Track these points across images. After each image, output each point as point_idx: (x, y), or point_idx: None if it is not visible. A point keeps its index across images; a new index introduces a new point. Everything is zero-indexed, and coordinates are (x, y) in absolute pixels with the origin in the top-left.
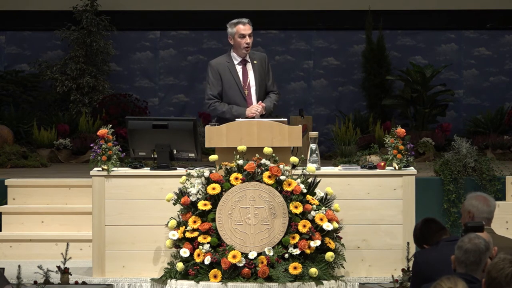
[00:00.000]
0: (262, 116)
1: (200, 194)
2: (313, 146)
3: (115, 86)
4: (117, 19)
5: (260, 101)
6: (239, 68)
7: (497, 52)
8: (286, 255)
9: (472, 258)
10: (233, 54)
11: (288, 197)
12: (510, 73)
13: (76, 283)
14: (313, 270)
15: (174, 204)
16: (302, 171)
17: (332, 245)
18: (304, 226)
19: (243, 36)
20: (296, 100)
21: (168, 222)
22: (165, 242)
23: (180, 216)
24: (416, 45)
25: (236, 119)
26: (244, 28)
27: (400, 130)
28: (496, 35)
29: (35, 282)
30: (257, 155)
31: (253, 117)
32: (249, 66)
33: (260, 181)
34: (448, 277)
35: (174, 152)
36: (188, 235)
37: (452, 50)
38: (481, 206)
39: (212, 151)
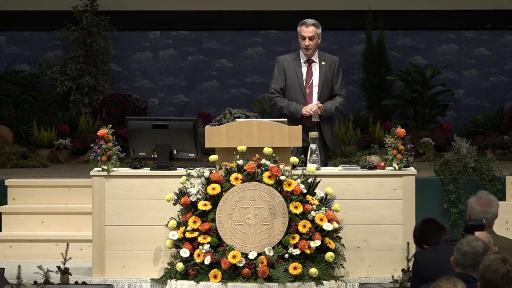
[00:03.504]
0: (320, 117)
1: (200, 194)
2: (313, 146)
3: (115, 86)
4: (117, 19)
5: (318, 101)
6: (304, 67)
7: (497, 52)
8: (286, 255)
9: (470, 260)
10: (301, 53)
11: (288, 197)
12: (510, 73)
13: (76, 283)
14: (313, 270)
15: (174, 204)
16: (302, 171)
17: (332, 245)
18: (304, 226)
19: (303, 38)
20: None
21: (168, 222)
22: (165, 242)
23: (180, 216)
24: (416, 45)
25: (292, 116)
26: (305, 30)
27: (400, 130)
28: (496, 35)
29: (35, 282)
30: (257, 155)
31: (310, 116)
32: (315, 66)
33: (260, 181)
34: (447, 277)
35: (174, 152)
36: (188, 235)
37: (452, 50)
38: (477, 211)
39: (212, 151)
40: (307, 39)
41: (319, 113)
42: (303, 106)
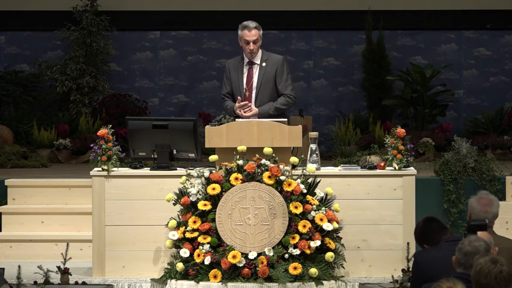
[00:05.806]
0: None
1: (200, 194)
2: (313, 146)
3: (115, 86)
4: (117, 19)
5: (247, 101)
6: (245, 69)
7: (497, 52)
8: (286, 255)
9: (471, 260)
10: (244, 55)
11: (288, 197)
12: (510, 73)
13: (76, 283)
14: (313, 270)
15: (174, 204)
16: (302, 171)
17: (332, 245)
18: (304, 226)
19: (247, 42)
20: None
21: (168, 222)
22: (165, 242)
23: (180, 216)
24: (416, 45)
25: (232, 116)
26: (248, 34)
27: (400, 130)
28: (496, 35)
29: (35, 282)
30: (257, 155)
31: (245, 116)
32: (256, 67)
33: (260, 181)
34: (447, 279)
35: (174, 152)
36: (188, 235)
37: (452, 50)
38: (478, 210)
39: (212, 151)
40: (251, 43)
41: (239, 113)
42: (234, 106)
